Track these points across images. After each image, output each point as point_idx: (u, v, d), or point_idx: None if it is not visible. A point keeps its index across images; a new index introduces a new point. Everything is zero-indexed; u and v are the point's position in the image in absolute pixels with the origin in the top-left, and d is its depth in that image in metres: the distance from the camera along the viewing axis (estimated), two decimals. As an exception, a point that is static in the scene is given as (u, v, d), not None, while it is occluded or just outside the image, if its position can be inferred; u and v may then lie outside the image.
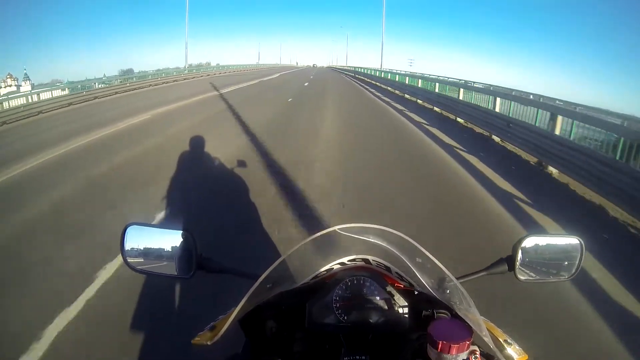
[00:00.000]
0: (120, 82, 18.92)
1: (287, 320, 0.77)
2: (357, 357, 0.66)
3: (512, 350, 0.69)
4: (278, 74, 32.95)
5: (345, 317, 0.74)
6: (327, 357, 0.70)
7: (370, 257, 0.77)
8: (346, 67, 54.97)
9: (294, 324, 0.76)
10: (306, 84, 21.76)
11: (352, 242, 0.73)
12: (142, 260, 0.81)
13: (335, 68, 60.34)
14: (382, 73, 23.96)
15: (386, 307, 0.75)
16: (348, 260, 0.78)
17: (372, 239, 0.72)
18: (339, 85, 22.62)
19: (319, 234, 0.69)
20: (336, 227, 0.69)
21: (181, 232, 0.79)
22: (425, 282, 0.70)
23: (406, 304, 0.76)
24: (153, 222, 3.16)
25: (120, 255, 0.82)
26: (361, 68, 34.35)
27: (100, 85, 17.19)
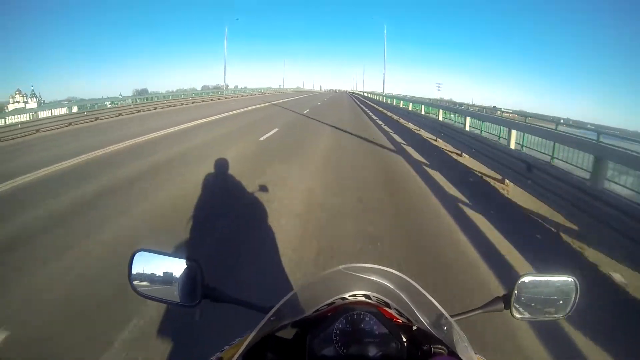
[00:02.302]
0: (133, 102, 19.52)
1: (286, 352, 0.78)
2: None
3: None
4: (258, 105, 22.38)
5: (345, 351, 0.75)
6: None
7: (370, 293, 0.79)
8: (363, 94, 47.56)
9: (293, 356, 0.77)
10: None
11: (353, 279, 0.75)
12: (149, 286, 0.83)
13: (353, 94, 57.59)
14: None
15: (385, 342, 0.76)
16: (349, 296, 0.80)
17: (373, 278, 0.75)
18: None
19: (325, 273, 0.72)
20: (340, 267, 0.72)
21: (187, 260, 0.82)
22: (423, 319, 0.72)
23: (404, 339, 0.78)
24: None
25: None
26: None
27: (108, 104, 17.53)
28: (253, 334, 0.66)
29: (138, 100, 21.16)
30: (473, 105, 17.79)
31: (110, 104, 17.49)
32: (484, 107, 16.41)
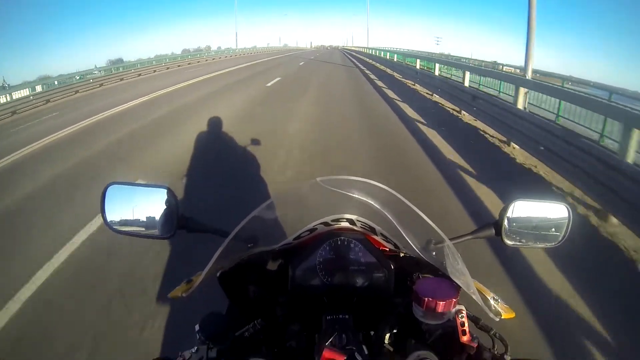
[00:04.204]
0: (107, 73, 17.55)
1: (269, 284, 0.74)
2: (340, 316, 0.63)
3: (500, 307, 0.67)
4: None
5: (330, 280, 0.71)
6: (310, 318, 0.67)
7: (354, 217, 0.73)
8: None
9: (276, 288, 0.73)
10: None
11: (336, 198, 0.69)
12: (123, 220, 0.77)
13: (345, 49, 52.94)
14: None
15: (371, 271, 0.72)
16: (332, 220, 0.73)
17: (356, 194, 0.68)
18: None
19: (300, 183, 0.66)
20: (318, 179, 0.65)
21: (162, 189, 0.75)
22: (412, 242, 0.67)
23: (392, 267, 0.73)
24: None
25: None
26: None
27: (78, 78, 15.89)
28: (217, 253, 0.60)
29: (113, 70, 18.78)
30: (474, 60, 17.67)
31: (79, 78, 15.95)
32: (483, 61, 16.48)
